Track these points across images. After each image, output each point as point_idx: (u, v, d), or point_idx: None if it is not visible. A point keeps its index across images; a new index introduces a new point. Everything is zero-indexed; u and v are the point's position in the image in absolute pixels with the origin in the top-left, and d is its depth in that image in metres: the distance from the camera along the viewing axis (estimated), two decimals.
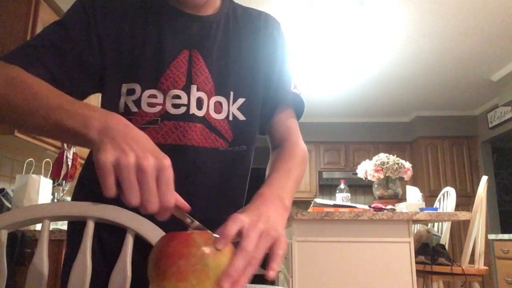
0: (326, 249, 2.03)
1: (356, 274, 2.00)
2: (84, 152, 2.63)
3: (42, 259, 0.70)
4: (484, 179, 2.67)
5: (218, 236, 0.48)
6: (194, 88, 0.77)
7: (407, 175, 2.75)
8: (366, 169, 2.84)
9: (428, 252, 2.58)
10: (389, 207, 2.35)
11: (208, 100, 0.78)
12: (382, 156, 2.80)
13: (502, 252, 3.78)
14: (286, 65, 0.90)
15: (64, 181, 2.62)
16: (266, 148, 0.89)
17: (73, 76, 0.74)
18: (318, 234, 2.04)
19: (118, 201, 0.56)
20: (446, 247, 2.75)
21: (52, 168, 2.54)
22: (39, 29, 2.34)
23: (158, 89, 0.76)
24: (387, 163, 2.74)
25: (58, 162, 2.52)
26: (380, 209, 2.21)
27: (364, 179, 2.90)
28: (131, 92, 0.76)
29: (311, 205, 2.27)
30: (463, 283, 2.51)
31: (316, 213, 2.04)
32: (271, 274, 0.50)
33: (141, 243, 0.72)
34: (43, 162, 2.61)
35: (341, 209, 2.14)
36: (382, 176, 2.75)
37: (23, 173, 2.53)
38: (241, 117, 0.81)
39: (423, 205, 2.60)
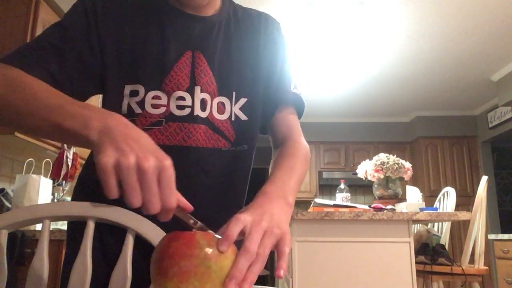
0: (326, 249, 2.03)
1: (356, 274, 2.00)
2: (84, 152, 2.64)
3: (42, 259, 0.70)
4: (484, 179, 2.67)
5: (220, 237, 0.48)
6: (198, 89, 0.77)
7: (407, 175, 2.75)
8: (366, 169, 2.84)
9: (428, 252, 2.58)
10: (389, 207, 2.35)
11: (211, 101, 0.78)
12: (382, 156, 2.80)
13: (502, 252, 3.78)
14: (286, 65, 0.91)
15: (64, 181, 2.63)
16: (267, 148, 0.90)
17: (73, 77, 0.74)
18: (318, 234, 2.04)
19: (119, 201, 0.56)
20: (446, 247, 2.75)
21: (52, 168, 2.54)
22: (39, 29, 2.35)
23: (162, 90, 0.76)
24: (387, 163, 2.74)
25: (58, 162, 2.52)
26: (380, 209, 2.21)
27: (364, 179, 2.90)
28: (134, 93, 0.76)
29: (311, 205, 2.27)
30: (463, 283, 2.51)
31: (316, 213, 2.04)
32: (281, 272, 0.49)
33: (141, 243, 0.72)
34: (43, 162, 2.61)
35: (341, 209, 2.14)
36: (382, 176, 2.75)
37: (23, 173, 2.53)
38: (243, 117, 0.81)
39: (423, 205, 2.60)
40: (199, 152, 0.76)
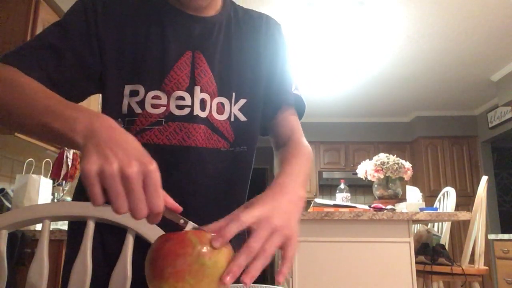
0: (326, 249, 2.03)
1: (356, 274, 2.00)
2: None
3: (42, 259, 0.70)
4: (484, 179, 2.67)
5: (214, 234, 0.47)
6: (197, 89, 0.77)
7: (407, 175, 2.75)
8: (366, 169, 2.84)
9: (428, 252, 2.58)
10: (389, 207, 2.35)
11: (211, 101, 0.78)
12: (382, 156, 2.80)
13: (502, 252, 3.78)
14: (287, 66, 0.91)
15: (64, 181, 2.63)
16: (267, 148, 0.90)
17: (72, 77, 0.74)
18: (318, 234, 2.04)
19: None
20: (446, 247, 2.75)
21: (52, 168, 2.54)
22: (39, 29, 2.34)
23: (162, 90, 0.76)
24: (387, 163, 2.74)
25: (58, 162, 2.52)
26: (380, 209, 2.21)
27: (364, 179, 2.90)
28: (134, 93, 0.76)
29: (311, 205, 2.27)
30: (463, 283, 2.51)
31: (316, 213, 2.04)
32: (280, 278, 0.49)
33: (141, 243, 0.72)
34: (43, 162, 2.61)
35: (341, 209, 2.14)
36: (382, 176, 2.75)
37: (23, 173, 2.53)
38: (242, 118, 0.81)
39: (423, 205, 2.60)
40: (198, 152, 0.76)
